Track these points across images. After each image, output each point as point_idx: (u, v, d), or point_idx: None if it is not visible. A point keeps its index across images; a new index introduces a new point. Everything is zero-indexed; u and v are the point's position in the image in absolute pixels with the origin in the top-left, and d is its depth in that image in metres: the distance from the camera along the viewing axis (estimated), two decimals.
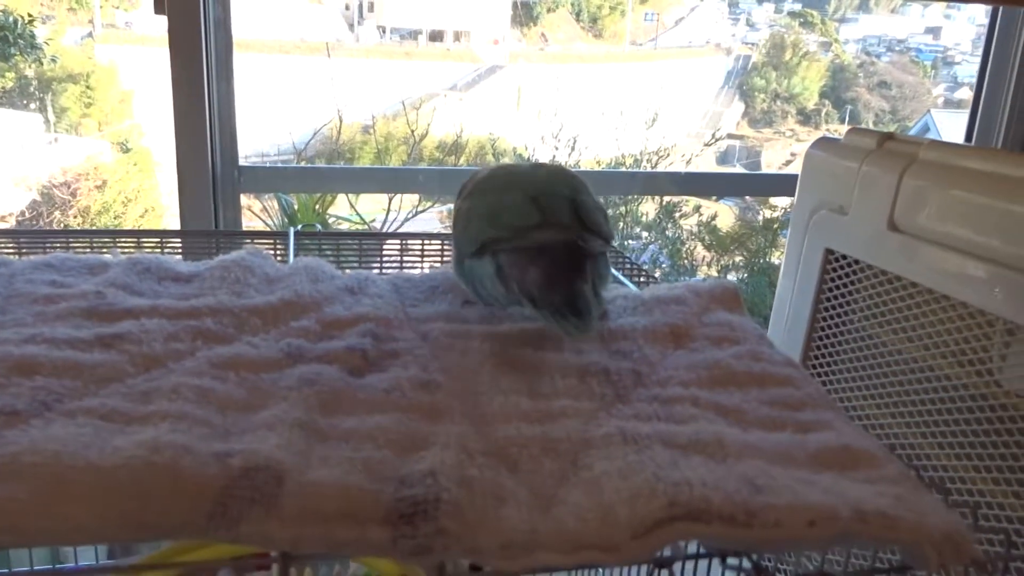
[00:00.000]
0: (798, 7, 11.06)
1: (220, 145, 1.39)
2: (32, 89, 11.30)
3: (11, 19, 5.34)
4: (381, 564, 0.57)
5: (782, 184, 1.54)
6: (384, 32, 12.35)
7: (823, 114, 10.95)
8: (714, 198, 6.06)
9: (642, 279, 0.90)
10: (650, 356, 0.58)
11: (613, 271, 0.88)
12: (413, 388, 0.50)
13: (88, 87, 11.41)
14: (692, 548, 0.44)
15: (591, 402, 0.51)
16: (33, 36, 5.41)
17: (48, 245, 0.91)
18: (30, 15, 5.68)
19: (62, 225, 8.30)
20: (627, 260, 0.94)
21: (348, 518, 0.38)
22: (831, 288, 0.93)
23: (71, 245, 0.92)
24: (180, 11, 1.27)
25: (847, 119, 10.46)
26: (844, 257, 0.91)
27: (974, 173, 0.79)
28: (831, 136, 0.96)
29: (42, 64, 6.11)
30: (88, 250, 0.92)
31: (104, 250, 0.91)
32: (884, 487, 0.43)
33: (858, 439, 0.48)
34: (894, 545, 0.40)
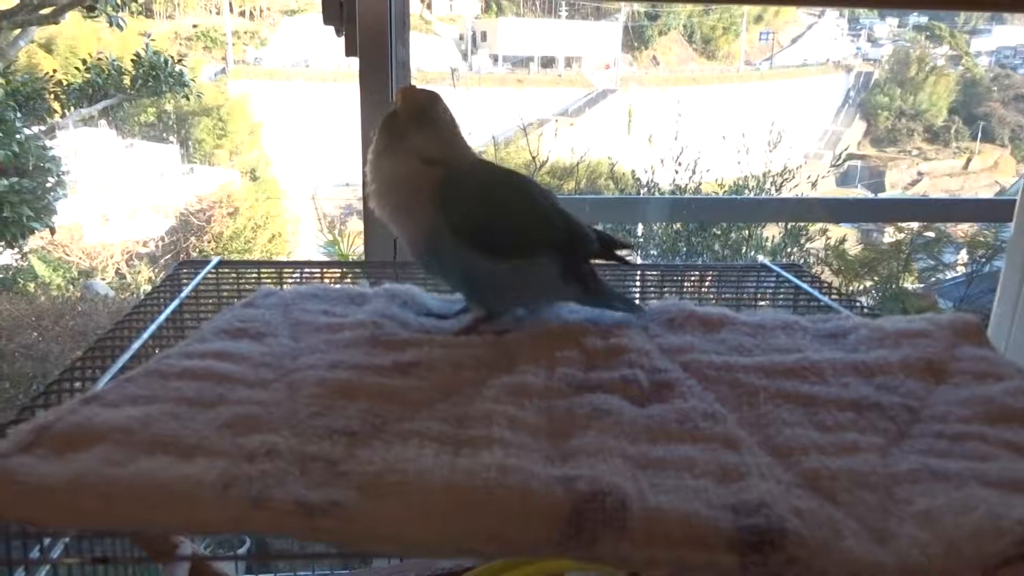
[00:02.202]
0: (924, 20, 10.63)
1: None
2: (171, 123, 12.13)
3: (162, 59, 5.76)
4: None
5: (982, 210, 1.47)
6: (496, 60, 12.65)
7: (953, 131, 10.44)
8: None
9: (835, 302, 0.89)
10: (915, 391, 0.58)
11: (822, 297, 0.88)
12: (702, 419, 0.52)
13: (220, 120, 12.17)
14: None
15: (877, 436, 0.52)
16: (182, 74, 5.80)
17: (262, 274, 0.97)
18: (180, 54, 6.10)
19: (198, 250, 8.83)
20: (827, 284, 0.94)
21: (695, 543, 0.40)
22: None
23: (283, 275, 0.98)
24: (370, 53, 1.35)
25: (979, 136, 9.93)
26: None
27: None
28: None
29: (188, 100, 6.56)
30: (299, 280, 0.98)
31: (309, 280, 0.97)
32: None
33: None
34: None
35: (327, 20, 1.38)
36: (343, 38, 1.40)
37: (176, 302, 0.77)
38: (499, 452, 0.46)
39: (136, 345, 0.67)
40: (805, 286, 0.89)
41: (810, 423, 0.53)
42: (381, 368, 0.58)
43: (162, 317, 0.73)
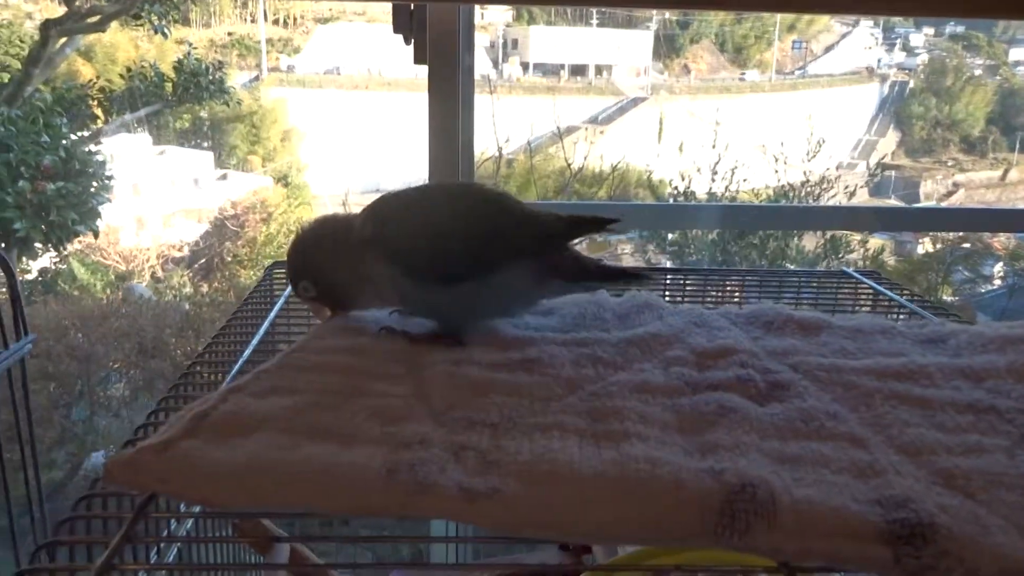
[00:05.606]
0: (961, 30, 10.50)
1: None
2: (205, 129, 12.30)
3: (203, 66, 5.86)
4: None
5: None
6: (527, 68, 12.71)
7: (990, 142, 10.31)
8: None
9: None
10: None
11: (907, 303, 0.88)
12: (825, 419, 0.53)
13: (254, 126, 12.30)
14: None
15: (999, 439, 0.53)
16: (222, 81, 5.91)
17: None
18: (220, 61, 6.21)
19: (232, 255, 8.92)
20: (909, 290, 0.95)
21: (846, 535, 0.41)
22: None
23: None
24: (439, 62, 1.38)
25: (1018, 147, 9.81)
26: None
27: None
28: None
29: (228, 106, 6.66)
30: None
31: None
32: None
33: None
34: None
35: (397, 29, 1.40)
36: (411, 46, 1.43)
37: (282, 300, 0.80)
38: (640, 445, 0.48)
39: (255, 340, 0.69)
40: (888, 292, 0.90)
41: (930, 424, 0.54)
42: (502, 364, 0.59)
43: (273, 312, 0.76)
